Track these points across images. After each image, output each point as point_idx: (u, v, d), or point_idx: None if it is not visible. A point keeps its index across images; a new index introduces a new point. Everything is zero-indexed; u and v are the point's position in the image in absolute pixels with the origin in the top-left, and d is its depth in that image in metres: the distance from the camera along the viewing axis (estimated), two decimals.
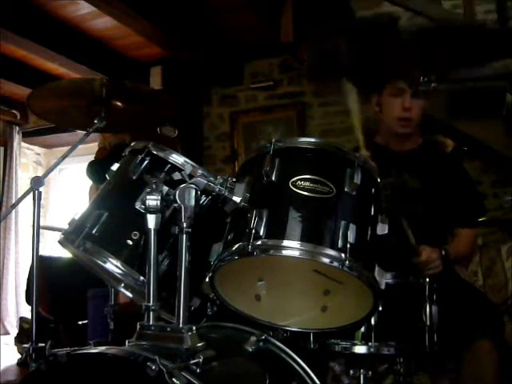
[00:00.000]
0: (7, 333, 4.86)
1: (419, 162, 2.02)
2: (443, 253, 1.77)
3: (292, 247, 1.16)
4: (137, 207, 1.20)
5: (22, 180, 5.27)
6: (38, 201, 1.51)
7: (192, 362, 1.04)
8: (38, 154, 5.74)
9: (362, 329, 1.50)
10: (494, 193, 3.45)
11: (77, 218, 1.37)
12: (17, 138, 5.31)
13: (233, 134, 4.53)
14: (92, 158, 3.20)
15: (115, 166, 1.46)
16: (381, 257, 1.28)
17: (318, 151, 1.30)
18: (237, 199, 1.22)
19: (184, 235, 1.14)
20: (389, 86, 2.01)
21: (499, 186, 3.48)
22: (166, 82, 4.24)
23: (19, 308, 5.02)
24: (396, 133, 2.03)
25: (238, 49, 4.20)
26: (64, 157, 1.67)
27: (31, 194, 1.52)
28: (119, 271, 1.27)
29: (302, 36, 3.36)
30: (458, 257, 1.96)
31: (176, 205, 1.16)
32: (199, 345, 1.12)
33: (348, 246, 1.16)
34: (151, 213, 1.16)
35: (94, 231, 1.30)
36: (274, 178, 1.22)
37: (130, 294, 1.38)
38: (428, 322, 1.53)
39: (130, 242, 1.28)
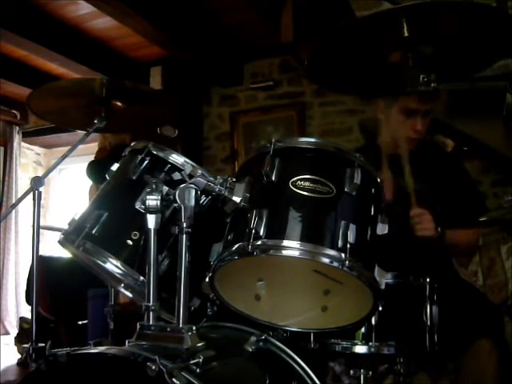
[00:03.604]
0: (7, 333, 4.86)
1: (419, 163, 2.02)
2: (439, 230, 1.75)
3: (292, 247, 1.16)
4: (137, 207, 1.20)
5: (21, 180, 5.27)
6: (38, 201, 1.51)
7: (192, 362, 1.04)
8: (38, 154, 5.74)
9: (363, 329, 1.50)
10: (493, 193, 3.45)
11: (77, 218, 1.37)
12: (17, 138, 5.31)
13: (233, 134, 4.53)
14: (92, 158, 3.21)
15: (115, 166, 1.46)
16: (381, 257, 1.28)
17: (318, 151, 1.29)
18: (237, 199, 1.22)
19: (184, 235, 1.14)
20: (399, 102, 1.92)
21: (499, 186, 3.48)
22: (165, 82, 4.24)
23: (19, 308, 5.02)
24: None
25: (238, 49, 4.20)
26: (64, 157, 1.67)
27: (31, 194, 1.52)
28: (119, 271, 1.27)
29: (302, 36, 3.36)
30: (455, 244, 1.92)
31: (176, 205, 1.16)
32: (199, 345, 1.12)
33: (348, 246, 1.16)
34: (151, 213, 1.16)
35: (93, 231, 1.30)
36: (273, 178, 1.22)
37: (130, 294, 1.38)
38: (428, 322, 1.53)
39: (129, 242, 1.29)
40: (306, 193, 1.21)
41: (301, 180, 1.21)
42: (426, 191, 1.95)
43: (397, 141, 2.01)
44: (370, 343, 1.48)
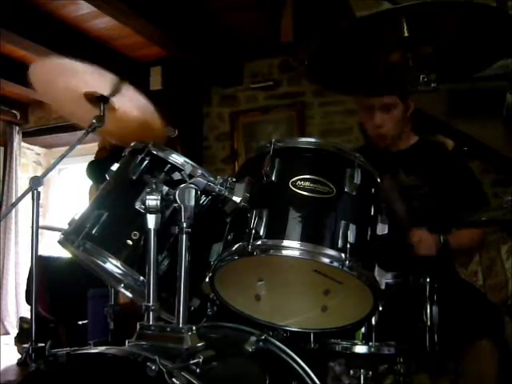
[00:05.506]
0: (7, 333, 4.86)
1: (414, 160, 2.02)
2: (442, 239, 1.77)
3: (292, 247, 1.16)
4: (137, 207, 1.20)
5: (21, 180, 5.27)
6: (36, 201, 1.51)
7: (192, 362, 1.04)
8: (38, 154, 5.74)
9: (363, 329, 1.50)
10: (493, 193, 3.44)
11: (77, 218, 1.37)
12: (17, 138, 5.31)
13: (233, 134, 4.53)
14: (92, 158, 3.21)
15: (115, 166, 1.45)
16: (381, 257, 1.28)
17: (318, 151, 1.30)
18: (237, 199, 1.22)
19: (184, 235, 1.14)
20: (360, 102, 1.99)
21: (499, 186, 3.48)
22: (165, 82, 4.24)
23: (19, 308, 5.02)
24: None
25: (238, 49, 4.21)
26: (63, 157, 1.66)
27: (30, 194, 1.51)
28: (119, 271, 1.27)
29: (302, 36, 3.36)
30: (460, 247, 1.93)
31: (176, 205, 1.16)
32: (199, 345, 1.12)
33: (348, 246, 1.16)
34: (151, 213, 1.16)
35: (93, 231, 1.30)
36: (274, 178, 1.22)
37: (130, 294, 1.38)
38: (428, 322, 1.53)
39: (129, 242, 1.29)
40: (305, 193, 1.21)
41: (301, 180, 1.21)
42: (424, 187, 1.95)
43: (372, 139, 2.03)
44: (370, 343, 1.48)
